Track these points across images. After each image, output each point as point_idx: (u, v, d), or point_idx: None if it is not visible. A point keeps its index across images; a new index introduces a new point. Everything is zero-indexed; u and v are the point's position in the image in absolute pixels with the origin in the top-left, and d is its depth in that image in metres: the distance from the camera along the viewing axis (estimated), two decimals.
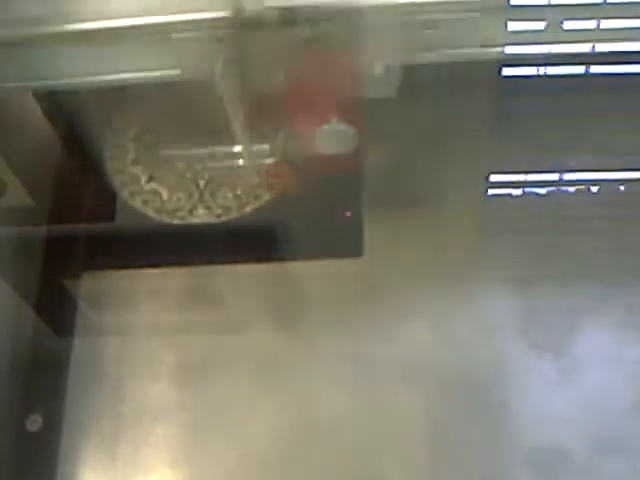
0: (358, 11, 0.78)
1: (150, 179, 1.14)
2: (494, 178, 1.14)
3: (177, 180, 1.13)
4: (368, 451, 0.94)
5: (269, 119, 0.93)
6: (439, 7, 0.80)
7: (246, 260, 1.09)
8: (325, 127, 0.87)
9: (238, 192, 1.11)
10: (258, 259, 1.09)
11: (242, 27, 0.79)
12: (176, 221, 1.10)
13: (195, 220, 1.10)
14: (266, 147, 0.93)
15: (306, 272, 1.06)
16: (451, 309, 1.02)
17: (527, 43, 0.87)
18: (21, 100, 1.19)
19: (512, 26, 0.84)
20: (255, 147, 0.92)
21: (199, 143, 1.15)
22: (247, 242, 1.11)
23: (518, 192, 1.12)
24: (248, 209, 1.10)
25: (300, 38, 0.81)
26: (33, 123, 1.19)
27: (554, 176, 1.13)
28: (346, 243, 1.08)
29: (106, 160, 1.17)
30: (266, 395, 0.98)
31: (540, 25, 0.85)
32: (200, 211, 1.10)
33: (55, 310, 1.08)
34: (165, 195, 1.12)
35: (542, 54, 0.88)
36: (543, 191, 1.11)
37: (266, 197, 1.11)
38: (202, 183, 1.12)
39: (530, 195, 1.11)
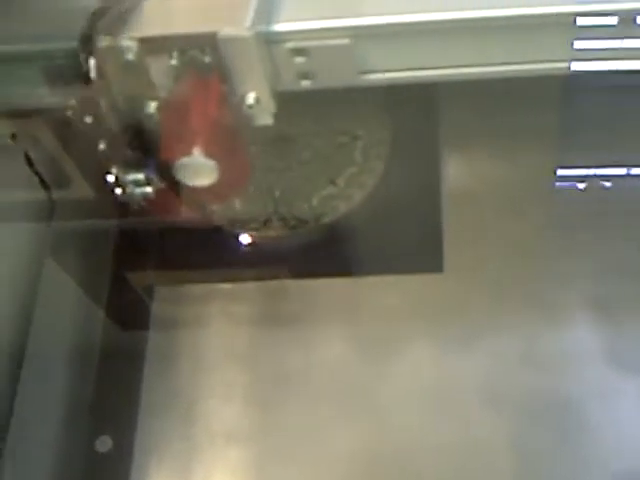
0: (228, 41, 0.75)
1: None
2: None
3: (251, 190, 1.09)
4: (450, 477, 0.91)
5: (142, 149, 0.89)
6: (309, 35, 0.78)
7: (321, 274, 1.06)
8: (184, 160, 0.81)
9: (314, 203, 1.08)
10: (334, 273, 1.06)
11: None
12: (249, 233, 1.07)
13: (269, 232, 1.06)
14: (141, 176, 0.89)
15: (384, 287, 1.02)
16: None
17: None
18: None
19: None
20: (131, 176, 0.89)
21: (274, 152, 1.11)
22: (323, 256, 1.07)
23: None
24: (324, 221, 1.06)
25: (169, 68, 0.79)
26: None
27: None
28: (426, 258, 1.04)
29: None
30: (344, 417, 0.95)
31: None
32: (275, 223, 1.07)
33: (125, 326, 1.06)
34: (238, 205, 1.08)
35: None
36: None
37: (343, 209, 1.07)
38: (277, 193, 1.08)
39: None
